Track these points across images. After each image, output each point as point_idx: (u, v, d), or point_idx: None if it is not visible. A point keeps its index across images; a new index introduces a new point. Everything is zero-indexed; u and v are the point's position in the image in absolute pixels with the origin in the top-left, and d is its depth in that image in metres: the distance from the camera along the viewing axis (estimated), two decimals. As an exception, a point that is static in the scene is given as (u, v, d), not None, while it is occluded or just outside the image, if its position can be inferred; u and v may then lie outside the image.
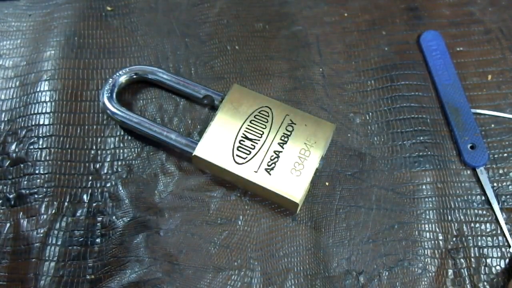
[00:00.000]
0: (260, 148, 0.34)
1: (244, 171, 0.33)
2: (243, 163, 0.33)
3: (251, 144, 0.34)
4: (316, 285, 0.34)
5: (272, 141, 0.34)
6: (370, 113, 0.39)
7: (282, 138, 0.34)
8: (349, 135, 0.38)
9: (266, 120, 0.35)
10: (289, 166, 0.33)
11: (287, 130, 0.34)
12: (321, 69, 0.41)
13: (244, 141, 0.34)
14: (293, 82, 0.40)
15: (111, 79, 0.38)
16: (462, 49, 0.42)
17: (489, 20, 0.43)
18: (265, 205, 0.36)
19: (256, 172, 0.33)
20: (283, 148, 0.34)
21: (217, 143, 0.34)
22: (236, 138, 0.34)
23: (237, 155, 0.34)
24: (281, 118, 0.35)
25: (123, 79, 0.38)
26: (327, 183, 0.37)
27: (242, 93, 0.36)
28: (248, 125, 0.35)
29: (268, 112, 0.35)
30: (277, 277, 0.34)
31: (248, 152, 0.34)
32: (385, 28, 0.43)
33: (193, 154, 0.34)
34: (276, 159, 0.33)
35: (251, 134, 0.34)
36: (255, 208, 0.36)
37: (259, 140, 0.34)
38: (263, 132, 0.34)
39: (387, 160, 0.37)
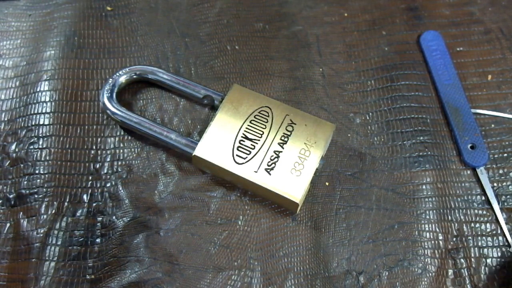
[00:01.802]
0: (260, 148, 0.34)
1: (244, 171, 0.33)
2: (243, 163, 0.33)
3: (251, 144, 0.34)
4: (316, 285, 0.34)
5: (272, 141, 0.34)
6: (370, 113, 0.39)
7: (282, 138, 0.34)
8: (349, 135, 0.38)
9: (266, 120, 0.35)
10: (289, 166, 0.33)
11: (287, 130, 0.34)
12: (321, 69, 0.41)
13: (244, 141, 0.34)
14: (293, 82, 0.40)
15: (111, 79, 0.38)
16: (462, 49, 0.42)
17: (489, 20, 0.43)
18: (265, 205, 0.36)
19: (256, 172, 0.33)
20: (283, 148, 0.34)
21: (217, 143, 0.34)
22: (236, 138, 0.34)
23: (237, 155, 0.34)
24: (281, 118, 0.35)
25: (123, 79, 0.38)
26: (327, 183, 0.37)
27: (242, 93, 0.36)
28: (248, 125, 0.35)
29: (268, 112, 0.35)
30: (277, 277, 0.34)
31: (248, 152, 0.34)
32: (385, 28, 0.43)
33: (193, 154, 0.34)
34: (276, 159, 0.33)
35: (251, 134, 0.34)
36: (255, 208, 0.36)
37: (259, 140, 0.34)
38: (263, 132, 0.34)
39: (387, 160, 0.37)
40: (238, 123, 0.35)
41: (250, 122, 0.35)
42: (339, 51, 0.42)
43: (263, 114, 0.35)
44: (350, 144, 0.38)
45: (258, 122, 0.35)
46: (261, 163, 0.33)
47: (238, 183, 0.35)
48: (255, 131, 0.34)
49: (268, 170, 0.33)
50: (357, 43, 0.42)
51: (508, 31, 0.42)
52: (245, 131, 0.34)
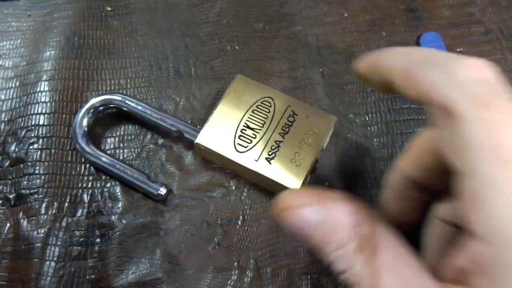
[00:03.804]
0: (262, 137, 0.34)
1: (245, 160, 0.34)
2: (244, 152, 0.34)
3: (253, 134, 0.34)
4: (317, 284, 0.34)
5: (274, 131, 0.34)
6: (370, 114, 0.39)
7: (284, 128, 0.35)
8: (349, 136, 0.38)
9: (268, 110, 0.35)
10: (290, 156, 0.34)
11: (288, 120, 0.35)
12: (321, 69, 0.41)
13: (245, 130, 0.34)
14: (293, 82, 0.40)
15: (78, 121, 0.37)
16: (462, 49, 0.42)
17: (489, 21, 0.43)
18: (265, 205, 0.36)
19: (256, 161, 0.34)
20: (284, 138, 0.34)
21: (219, 132, 0.35)
22: (237, 127, 0.35)
23: (238, 143, 0.34)
24: (283, 108, 0.35)
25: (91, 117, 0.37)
26: (327, 183, 0.37)
27: (245, 83, 0.36)
28: (250, 115, 0.35)
29: (270, 103, 0.36)
30: (277, 277, 0.34)
31: (249, 141, 0.34)
32: (385, 29, 0.43)
33: (195, 142, 0.34)
34: (276, 149, 0.34)
35: (253, 123, 0.35)
36: (255, 208, 0.36)
37: (260, 129, 0.35)
38: (264, 122, 0.35)
39: (387, 161, 0.37)
40: (240, 112, 0.35)
41: (252, 111, 0.35)
42: (339, 51, 0.42)
43: (265, 105, 0.35)
44: (350, 145, 0.38)
45: (260, 112, 0.35)
46: (261, 152, 0.34)
47: (238, 172, 0.36)
48: (257, 121, 0.35)
49: (269, 159, 0.33)
50: (357, 44, 0.42)
51: (508, 31, 0.42)
52: (247, 120, 0.35)
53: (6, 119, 0.39)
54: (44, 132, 0.38)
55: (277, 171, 0.33)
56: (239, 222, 0.35)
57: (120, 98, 0.37)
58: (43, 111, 0.38)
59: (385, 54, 0.25)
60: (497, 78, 0.20)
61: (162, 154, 0.38)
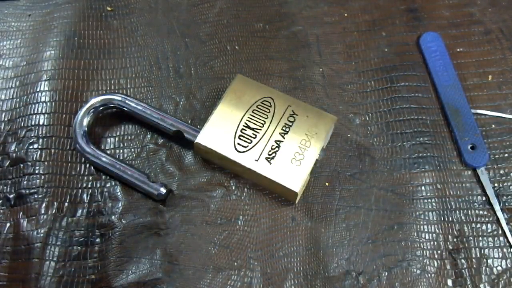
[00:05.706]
0: (262, 137, 0.34)
1: (245, 159, 0.34)
2: (244, 152, 0.34)
3: (253, 133, 0.34)
4: (316, 285, 0.34)
5: (274, 131, 0.34)
6: (370, 114, 0.39)
7: (284, 128, 0.35)
8: (349, 135, 0.38)
9: (268, 110, 0.35)
10: (290, 156, 0.34)
11: (288, 120, 0.35)
12: (321, 69, 0.41)
13: (245, 130, 0.34)
14: (293, 82, 0.40)
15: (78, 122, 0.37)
16: (462, 49, 0.42)
17: (489, 21, 0.43)
18: (264, 205, 0.36)
19: (256, 160, 0.34)
20: (284, 138, 0.34)
21: (219, 131, 0.35)
22: (238, 127, 0.35)
23: (238, 143, 0.34)
24: (283, 108, 0.35)
25: (91, 116, 0.37)
26: (327, 183, 0.37)
27: (245, 83, 0.36)
28: (250, 115, 0.35)
29: (270, 103, 0.36)
30: (277, 277, 0.34)
31: (249, 141, 0.34)
32: (385, 29, 0.43)
33: (195, 142, 0.34)
34: (277, 149, 0.34)
35: (253, 123, 0.35)
36: (255, 208, 0.36)
37: (260, 129, 0.35)
38: (265, 122, 0.35)
39: (387, 161, 0.37)
40: (241, 112, 0.35)
41: (253, 111, 0.35)
42: (339, 51, 0.42)
43: (265, 104, 0.35)
44: (350, 144, 0.38)
45: (260, 112, 0.35)
46: (261, 152, 0.34)
47: (239, 172, 0.36)
48: (257, 121, 0.35)
49: (269, 159, 0.33)
50: (357, 44, 0.42)
51: (509, 31, 0.42)
52: (247, 120, 0.35)
53: (6, 119, 0.39)
54: (44, 132, 0.38)
55: (277, 171, 0.33)
56: (239, 222, 0.35)
57: (120, 98, 0.37)
58: (43, 111, 0.38)
59: None
60: None
61: (162, 154, 0.38)
